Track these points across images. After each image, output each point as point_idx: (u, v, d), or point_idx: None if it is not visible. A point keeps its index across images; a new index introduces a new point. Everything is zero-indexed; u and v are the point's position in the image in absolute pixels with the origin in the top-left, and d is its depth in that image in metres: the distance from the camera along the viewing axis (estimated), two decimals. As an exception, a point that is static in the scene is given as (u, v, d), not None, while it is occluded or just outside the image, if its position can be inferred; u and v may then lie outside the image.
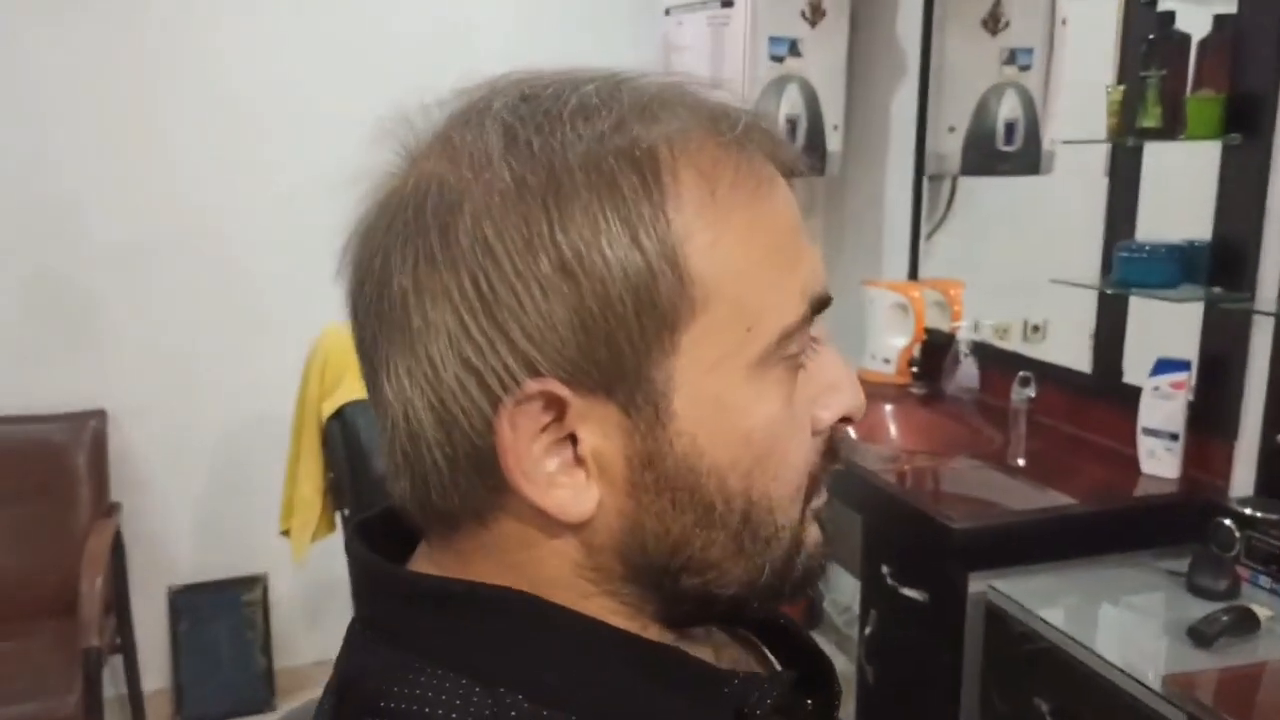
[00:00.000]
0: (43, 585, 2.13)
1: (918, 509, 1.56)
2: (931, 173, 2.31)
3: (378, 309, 0.41)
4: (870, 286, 2.28)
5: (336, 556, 1.90)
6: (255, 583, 2.49)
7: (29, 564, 2.17)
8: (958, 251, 2.32)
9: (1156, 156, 1.70)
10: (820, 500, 0.47)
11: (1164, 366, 1.58)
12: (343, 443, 1.57)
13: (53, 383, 2.29)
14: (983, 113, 2.18)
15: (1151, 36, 1.54)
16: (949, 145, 2.23)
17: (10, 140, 2.20)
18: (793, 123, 2.28)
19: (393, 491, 0.45)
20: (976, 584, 1.45)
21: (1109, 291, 1.74)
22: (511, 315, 0.39)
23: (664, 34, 2.46)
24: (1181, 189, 1.71)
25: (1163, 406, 1.58)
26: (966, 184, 2.30)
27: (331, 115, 2.35)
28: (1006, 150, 2.16)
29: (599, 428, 0.41)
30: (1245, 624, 1.26)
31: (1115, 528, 1.54)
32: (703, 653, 0.46)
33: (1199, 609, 1.31)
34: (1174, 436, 1.58)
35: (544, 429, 0.40)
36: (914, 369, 2.15)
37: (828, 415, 0.46)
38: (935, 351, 2.13)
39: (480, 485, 0.41)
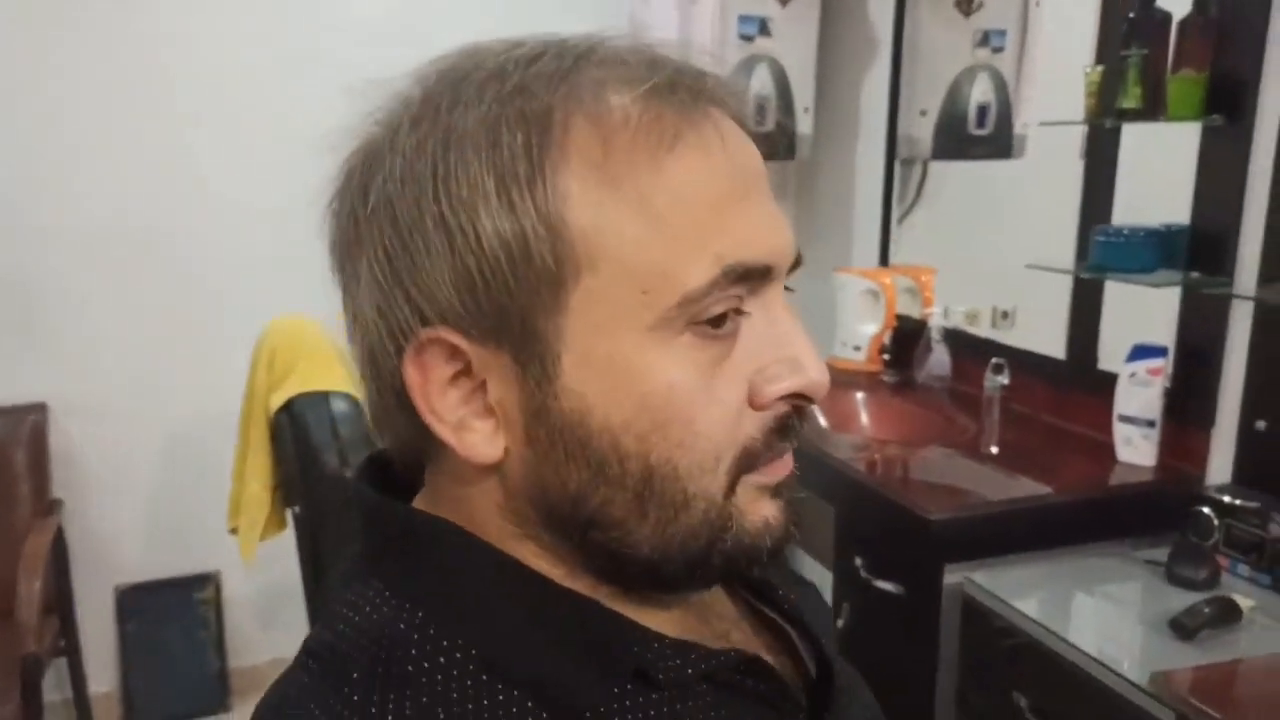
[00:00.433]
0: (-22, 587, 2.03)
1: (891, 499, 1.52)
2: (903, 157, 2.27)
3: (337, 259, 0.46)
4: (841, 273, 2.25)
5: (292, 554, 1.83)
6: (208, 581, 2.40)
7: (-37, 564, 2.06)
8: (929, 237, 2.28)
9: (1134, 138, 1.67)
10: (770, 478, 0.45)
11: (1141, 353, 1.55)
12: (292, 437, 1.50)
13: (-11, 374, 2.19)
14: (955, 96, 2.14)
15: (1132, 15, 1.50)
16: (921, 129, 2.19)
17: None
18: (762, 104, 2.23)
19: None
20: (952, 576, 1.42)
21: (1085, 276, 1.71)
22: (405, 269, 0.42)
23: (631, 12, 2.39)
24: (1159, 172, 1.68)
25: (1139, 393, 1.55)
26: (938, 168, 2.26)
27: (280, 108, 2.29)
28: (978, 134, 2.13)
29: (501, 378, 0.43)
30: (1227, 615, 1.23)
31: (1092, 517, 1.51)
32: (656, 617, 0.47)
33: (1179, 600, 1.28)
34: (1151, 424, 1.55)
35: (457, 375, 0.43)
36: (885, 357, 2.12)
37: (771, 390, 0.44)
38: (907, 339, 2.10)
39: (411, 424, 0.45)
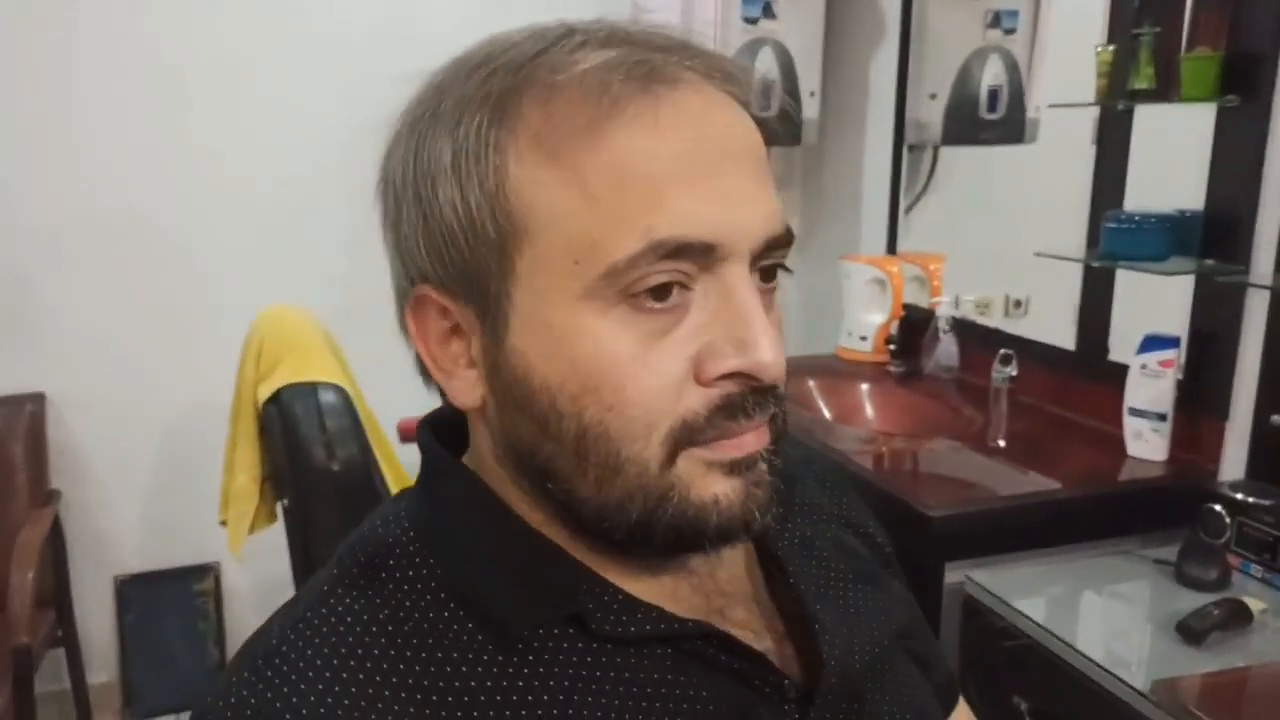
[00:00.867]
0: (-26, 577, 2.03)
1: (891, 494, 1.47)
2: (911, 142, 2.21)
3: (382, 229, 0.52)
4: (847, 261, 2.19)
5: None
6: (207, 572, 2.39)
7: (-40, 555, 2.06)
8: (938, 224, 2.23)
9: (1147, 121, 1.60)
10: (718, 454, 0.46)
11: (1152, 343, 1.49)
12: (280, 429, 1.47)
13: (-14, 365, 2.18)
14: (965, 79, 2.08)
15: (1144, -9, 1.44)
16: (930, 113, 2.13)
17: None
18: (767, 88, 2.17)
19: None
20: (953, 574, 1.37)
21: (1095, 264, 1.66)
22: (398, 233, 0.49)
23: (633, -4, 2.35)
24: (1173, 156, 1.62)
25: (1150, 385, 1.50)
26: (948, 154, 2.20)
27: (274, 99, 2.26)
28: (990, 118, 2.07)
29: (476, 333, 0.48)
30: (1237, 618, 1.18)
31: (1100, 513, 1.46)
32: (640, 580, 0.50)
33: (1188, 601, 1.23)
34: (1162, 417, 1.50)
35: (453, 329, 0.49)
36: (891, 347, 2.07)
37: (713, 366, 0.45)
38: (914, 329, 2.04)
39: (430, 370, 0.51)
